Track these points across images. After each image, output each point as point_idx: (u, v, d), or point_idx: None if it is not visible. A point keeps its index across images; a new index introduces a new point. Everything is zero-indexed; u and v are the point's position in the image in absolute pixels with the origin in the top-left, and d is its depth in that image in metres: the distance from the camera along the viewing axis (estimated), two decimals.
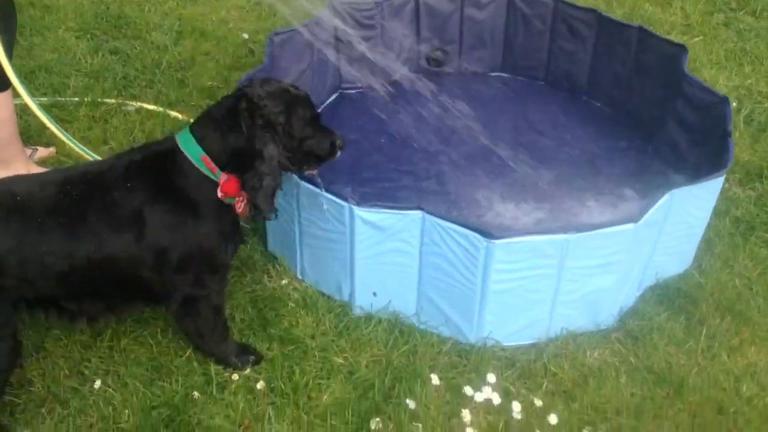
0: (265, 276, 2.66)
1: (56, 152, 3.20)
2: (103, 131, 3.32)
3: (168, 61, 3.83)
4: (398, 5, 3.56)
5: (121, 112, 3.45)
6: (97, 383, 2.25)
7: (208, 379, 2.30)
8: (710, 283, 2.67)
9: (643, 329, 2.51)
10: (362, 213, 2.31)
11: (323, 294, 2.59)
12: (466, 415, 2.21)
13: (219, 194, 2.08)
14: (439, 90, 3.60)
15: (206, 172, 2.08)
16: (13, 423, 2.16)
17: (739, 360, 2.44)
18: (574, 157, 3.28)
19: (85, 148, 3.03)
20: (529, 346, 2.46)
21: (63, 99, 3.50)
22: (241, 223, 2.25)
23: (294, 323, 2.47)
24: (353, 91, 3.65)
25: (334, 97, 3.63)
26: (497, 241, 2.20)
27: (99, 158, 2.89)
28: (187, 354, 2.36)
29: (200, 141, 2.08)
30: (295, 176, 2.40)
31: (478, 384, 2.30)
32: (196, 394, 2.25)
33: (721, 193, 2.72)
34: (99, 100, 3.50)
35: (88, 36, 4.01)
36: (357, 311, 2.53)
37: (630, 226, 2.27)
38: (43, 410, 2.20)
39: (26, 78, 3.54)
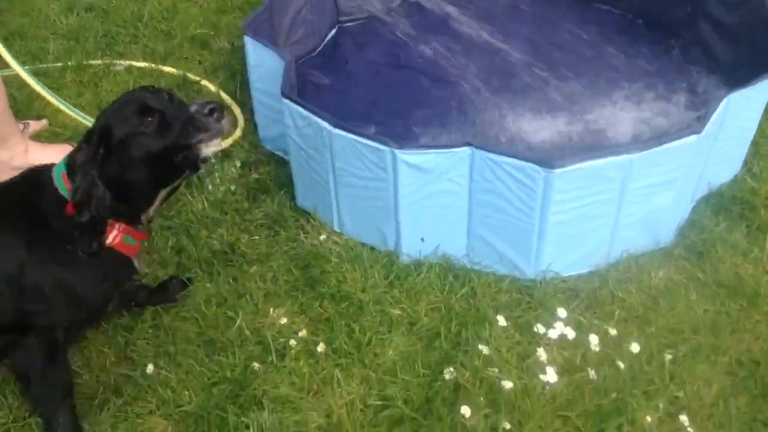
0: (301, 233, 2.51)
1: (49, 124, 2.98)
2: (95, 96, 3.09)
3: (149, 12, 3.58)
4: None
5: (110, 72, 3.22)
6: (150, 367, 2.11)
7: (265, 348, 2.16)
8: (764, 188, 2.57)
9: (705, 242, 2.40)
10: (406, 156, 2.14)
11: (366, 245, 2.45)
12: (542, 353, 2.11)
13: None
14: (443, 12, 3.41)
15: (63, 192, 1.84)
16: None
17: None
18: (596, 66, 3.13)
19: (82, 114, 2.80)
20: (589, 274, 2.36)
21: (45, 65, 3.24)
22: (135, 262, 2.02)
23: (342, 279, 2.33)
24: (352, 24, 3.43)
25: (333, 33, 3.40)
26: (557, 170, 2.06)
27: None
28: (237, 324, 2.22)
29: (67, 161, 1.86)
30: (326, 124, 2.23)
31: (548, 320, 2.19)
32: (255, 365, 2.11)
33: None
34: (84, 62, 3.25)
35: None
36: (404, 259, 2.40)
37: (693, 138, 2.14)
38: (96, 402, 2.06)
39: None
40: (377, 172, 2.22)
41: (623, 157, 2.09)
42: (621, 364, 2.09)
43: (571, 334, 2.15)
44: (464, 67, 3.13)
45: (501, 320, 2.20)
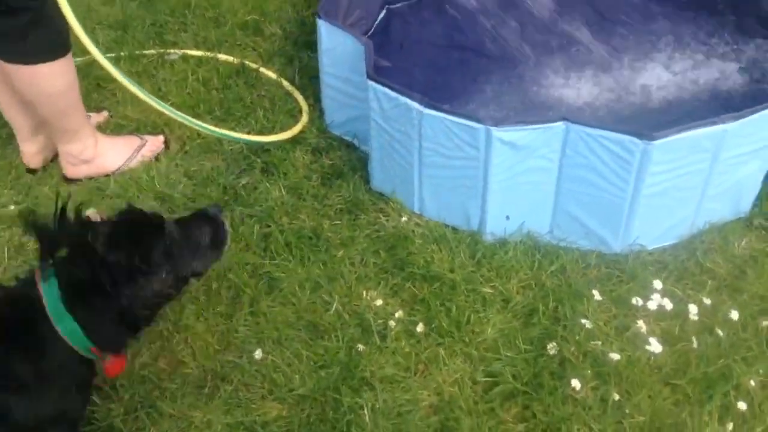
0: (381, 216, 2.52)
1: (110, 116, 2.97)
2: (153, 86, 3.07)
3: (194, 1, 3.54)
4: None
5: (165, 62, 3.20)
6: (258, 352, 2.12)
7: (366, 330, 2.18)
8: None
9: None
10: (501, 133, 2.16)
11: (448, 226, 2.47)
12: (642, 325, 2.14)
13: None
14: None
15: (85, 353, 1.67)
16: (177, 407, 2.03)
17: None
18: (648, 32, 3.16)
19: (163, 104, 2.76)
20: (674, 246, 2.39)
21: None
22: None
23: (429, 259, 2.35)
24: (401, 5, 3.42)
25: (382, 15, 3.39)
26: (656, 142, 2.08)
27: (176, 112, 2.65)
28: (334, 307, 2.24)
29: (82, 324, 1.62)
30: (416, 104, 2.24)
31: (643, 292, 2.23)
32: (360, 346, 2.13)
33: None
34: (137, 52, 3.24)
35: None
36: (488, 238, 2.42)
37: None
38: (206, 390, 2.07)
39: None
40: (468, 150, 2.23)
41: (718, 127, 2.11)
42: (720, 332, 2.13)
43: (668, 305, 2.19)
44: (518, 43, 3.14)
45: (596, 294, 2.23)
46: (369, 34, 3.22)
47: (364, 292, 2.30)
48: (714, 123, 2.11)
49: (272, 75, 3.07)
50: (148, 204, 2.53)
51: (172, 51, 3.22)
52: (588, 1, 3.33)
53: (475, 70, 3.04)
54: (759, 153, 2.28)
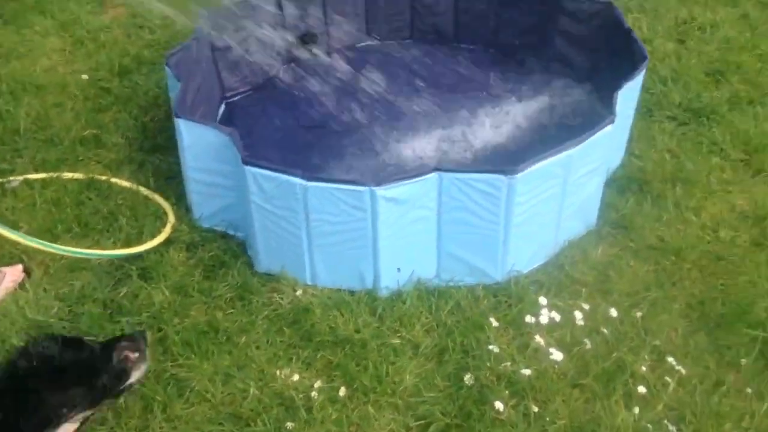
0: (275, 294, 2.57)
1: None
2: (2, 217, 2.93)
3: (22, 125, 3.43)
4: None
5: (5, 191, 3.06)
6: None
7: (289, 407, 2.21)
8: (648, 165, 3.02)
9: (624, 218, 2.79)
10: (384, 192, 2.31)
11: (343, 290, 2.56)
12: (540, 339, 2.35)
13: None
14: (318, 70, 3.62)
15: None
16: None
17: (703, 215, 2.81)
18: (466, 95, 3.47)
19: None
20: (543, 265, 2.64)
21: None
22: None
23: (333, 325, 2.43)
24: (238, 97, 3.55)
25: (222, 110, 3.49)
26: (519, 175, 2.33)
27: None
28: (252, 393, 2.24)
29: None
30: (299, 180, 2.35)
31: (532, 310, 2.44)
32: (289, 424, 2.15)
33: None
34: None
35: None
36: (384, 293, 2.55)
37: (610, 127, 2.52)
38: None
39: None
40: (355, 213, 2.36)
41: (565, 153, 2.41)
42: (605, 330, 2.38)
43: (557, 317, 2.41)
44: (359, 116, 3.36)
45: (493, 322, 2.41)
46: None
47: (278, 372, 2.32)
48: (560, 151, 2.40)
49: (126, 183, 3.04)
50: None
51: (11, 178, 3.09)
52: (411, 73, 3.63)
53: (327, 145, 3.20)
54: (597, 171, 2.62)
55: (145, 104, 3.53)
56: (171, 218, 2.86)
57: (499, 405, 2.16)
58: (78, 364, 2.05)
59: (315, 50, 3.74)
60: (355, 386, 2.25)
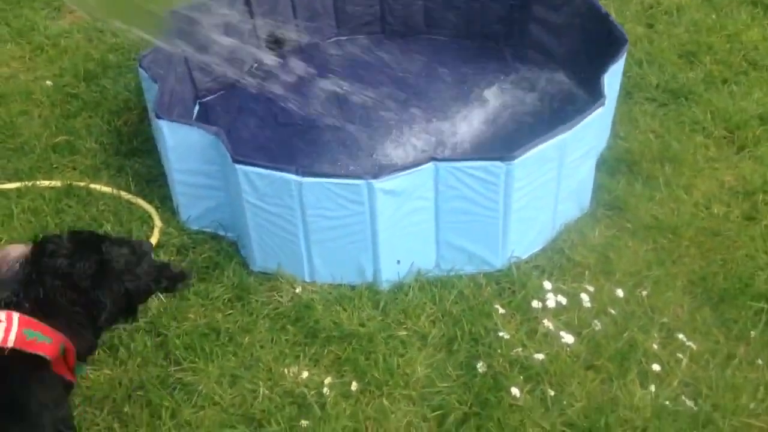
0: (274, 293, 2.50)
1: None
2: None
3: None
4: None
5: None
6: None
7: (302, 405, 2.15)
8: (634, 146, 3.04)
9: (617, 199, 2.79)
10: (381, 184, 2.27)
11: (343, 285, 2.51)
12: (548, 323, 2.33)
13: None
14: (289, 69, 3.56)
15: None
16: None
17: (694, 193, 2.83)
18: (443, 88, 3.43)
19: None
20: (542, 250, 2.63)
21: None
22: None
23: (337, 321, 2.37)
24: (211, 97, 3.46)
25: (196, 110, 3.40)
26: (516, 161, 2.31)
27: None
28: (262, 393, 2.17)
29: None
30: (293, 176, 2.29)
31: (538, 295, 2.42)
32: (303, 422, 2.09)
33: None
34: None
35: None
36: (385, 285, 2.50)
37: (602, 109, 2.52)
38: None
39: None
40: (353, 207, 2.31)
41: (559, 138, 2.39)
42: (612, 311, 2.37)
43: (563, 300, 2.40)
44: (338, 113, 3.30)
45: (499, 309, 2.39)
46: None
47: (286, 370, 2.26)
48: (555, 135, 2.39)
49: (106, 189, 2.93)
50: None
51: None
52: (385, 68, 3.58)
53: (309, 141, 3.14)
54: (590, 154, 2.61)
55: (116, 108, 3.42)
56: (157, 222, 2.77)
57: (515, 391, 2.14)
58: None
59: (284, 49, 3.68)
60: (366, 380, 2.20)
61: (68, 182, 2.96)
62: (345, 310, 2.41)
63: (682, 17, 3.90)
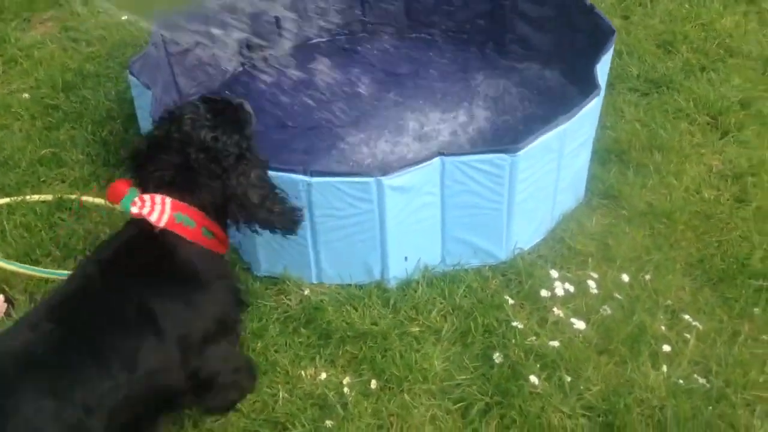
0: (282, 297, 2.49)
1: None
2: None
3: None
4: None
5: None
6: None
7: (324, 406, 2.15)
8: (621, 135, 3.10)
9: (611, 188, 2.85)
10: (390, 181, 2.28)
11: (351, 285, 2.51)
12: (558, 311, 2.37)
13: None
14: (273, 71, 3.55)
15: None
16: None
17: (684, 178, 2.90)
18: (432, 85, 3.45)
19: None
20: (543, 240, 2.67)
21: None
22: None
23: (349, 321, 2.37)
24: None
25: None
26: (520, 152, 2.34)
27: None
28: (282, 396, 2.17)
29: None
30: (301, 177, 2.28)
31: (546, 284, 2.46)
32: (328, 423, 2.09)
33: None
34: None
35: None
36: (393, 283, 2.51)
37: (597, 99, 2.57)
38: None
39: None
40: (362, 206, 2.32)
41: (559, 128, 2.43)
42: (618, 296, 2.42)
43: (571, 288, 2.44)
44: (327, 113, 3.31)
45: (509, 300, 2.42)
46: None
47: (303, 372, 2.26)
48: (556, 126, 2.43)
49: (99, 200, 2.88)
50: None
51: None
52: (370, 67, 3.60)
53: (301, 143, 3.13)
54: (586, 144, 2.67)
55: (100, 118, 3.36)
56: None
57: (533, 379, 2.17)
58: None
59: (267, 52, 3.67)
60: (385, 377, 2.21)
61: (59, 195, 2.90)
62: (356, 309, 2.41)
63: (657, 8, 4.00)
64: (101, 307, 1.75)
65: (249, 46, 3.66)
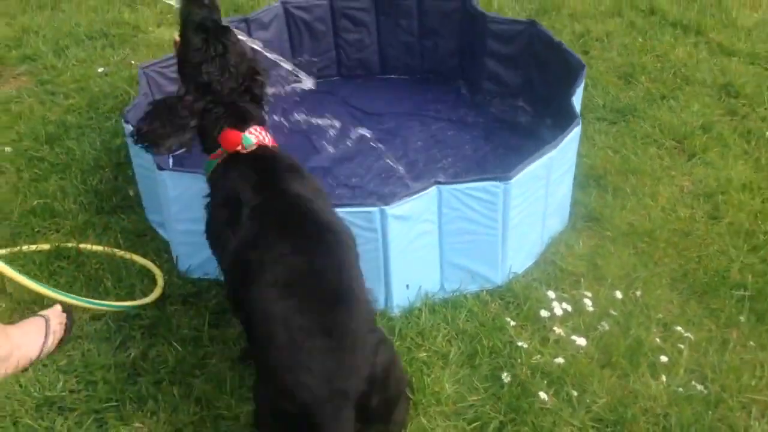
0: None
1: None
2: None
3: None
4: None
5: None
6: None
7: None
8: (596, 162, 3.27)
9: (593, 211, 3.00)
10: (393, 210, 2.38)
11: None
12: (559, 330, 2.48)
13: None
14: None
15: None
16: None
17: (659, 199, 3.08)
18: (408, 124, 3.60)
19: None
20: (535, 263, 2.79)
21: None
22: None
23: None
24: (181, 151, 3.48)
25: (171, 160, 3.42)
26: (513, 180, 2.47)
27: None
28: None
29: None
30: None
31: (544, 305, 2.57)
32: None
33: None
34: None
35: None
36: (396, 311, 2.59)
37: (578, 128, 2.73)
38: None
39: None
40: (366, 235, 2.40)
41: (547, 156, 2.58)
42: (614, 312, 2.55)
43: (569, 307, 2.56)
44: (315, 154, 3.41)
45: (510, 321, 2.52)
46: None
47: None
48: (543, 154, 2.57)
49: (97, 247, 2.91)
50: None
51: None
52: (350, 108, 3.72)
53: None
54: (569, 171, 2.83)
55: (88, 168, 3.40)
56: (159, 273, 2.77)
57: (542, 395, 2.26)
58: None
59: None
60: None
61: (56, 244, 2.92)
62: None
63: (613, 42, 4.23)
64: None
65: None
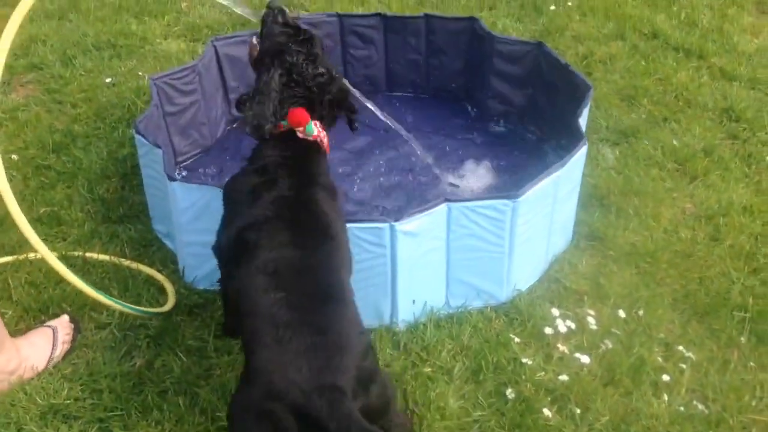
0: None
1: None
2: None
3: None
4: (206, 62, 3.52)
5: None
6: None
7: None
8: (599, 182, 3.31)
9: (596, 230, 3.03)
10: (403, 226, 2.41)
11: None
12: (563, 347, 2.50)
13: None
14: None
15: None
16: None
17: (662, 220, 3.11)
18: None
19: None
20: (539, 281, 2.82)
21: None
22: None
23: None
24: (190, 161, 3.52)
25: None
26: (521, 198, 2.51)
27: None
28: None
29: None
30: None
31: (548, 322, 2.60)
32: None
33: None
34: None
35: None
36: (402, 326, 2.62)
37: (585, 148, 2.76)
38: None
39: None
40: (375, 250, 2.44)
41: (554, 175, 2.61)
42: (617, 331, 2.58)
43: (572, 324, 2.58)
44: None
45: (514, 338, 2.55)
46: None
47: None
48: (551, 173, 2.60)
49: (103, 257, 2.93)
50: None
51: None
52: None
53: None
54: (575, 189, 2.86)
55: (95, 177, 3.41)
56: (167, 284, 2.79)
57: (546, 412, 2.28)
58: None
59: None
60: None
61: (63, 253, 2.93)
62: None
63: (616, 65, 4.29)
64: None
65: (238, 106, 3.78)
